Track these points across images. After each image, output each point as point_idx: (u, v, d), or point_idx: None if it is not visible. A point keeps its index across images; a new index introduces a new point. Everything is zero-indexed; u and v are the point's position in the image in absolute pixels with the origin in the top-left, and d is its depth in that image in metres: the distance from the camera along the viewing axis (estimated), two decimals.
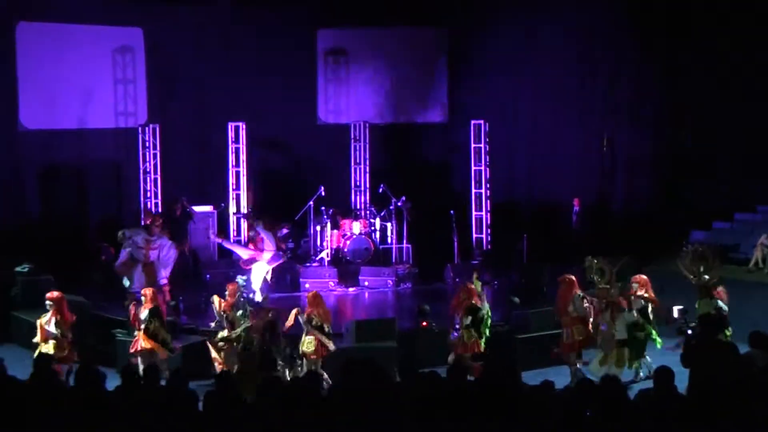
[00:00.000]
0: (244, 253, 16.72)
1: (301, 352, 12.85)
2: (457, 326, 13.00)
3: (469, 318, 12.93)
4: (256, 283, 15.94)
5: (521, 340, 14.12)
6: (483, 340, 13.00)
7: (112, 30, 20.97)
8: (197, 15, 21.02)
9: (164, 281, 16.29)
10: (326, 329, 12.87)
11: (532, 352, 13.62)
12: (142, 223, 17.49)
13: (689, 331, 11.78)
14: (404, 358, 12.76)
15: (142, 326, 13.00)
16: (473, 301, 13.07)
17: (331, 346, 12.80)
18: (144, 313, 13.02)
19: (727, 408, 7.38)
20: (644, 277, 13.53)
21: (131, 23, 20.99)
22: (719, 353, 9.30)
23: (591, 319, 12.98)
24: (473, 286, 13.36)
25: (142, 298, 13.21)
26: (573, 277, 13.17)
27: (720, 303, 12.44)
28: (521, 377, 8.18)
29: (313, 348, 12.75)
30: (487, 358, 12.53)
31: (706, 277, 12.53)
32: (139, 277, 15.89)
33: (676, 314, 12.43)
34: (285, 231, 19.21)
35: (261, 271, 16.28)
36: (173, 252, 16.61)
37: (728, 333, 12.19)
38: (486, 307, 13.20)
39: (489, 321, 13.21)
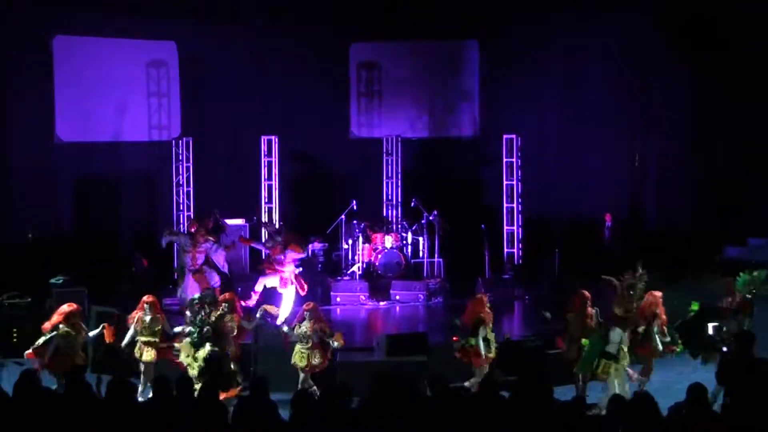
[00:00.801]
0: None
1: (293, 363, 12.82)
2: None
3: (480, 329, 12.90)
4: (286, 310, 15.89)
5: (553, 355, 14.02)
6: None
7: (147, 44, 21.19)
8: (231, 29, 21.18)
9: (216, 284, 16.37)
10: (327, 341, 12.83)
11: (564, 368, 13.50)
12: (184, 230, 17.50)
13: (724, 348, 11.67)
14: (435, 373, 12.70)
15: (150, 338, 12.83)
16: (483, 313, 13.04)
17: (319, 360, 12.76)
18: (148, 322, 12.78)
19: (762, 426, 7.30)
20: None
21: (165, 37, 21.19)
22: (755, 370, 9.21)
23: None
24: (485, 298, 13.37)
25: (146, 306, 12.89)
26: (587, 294, 13.06)
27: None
28: (553, 393, 8.13)
29: (320, 361, 12.76)
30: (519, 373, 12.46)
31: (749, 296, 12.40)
32: (191, 284, 16.12)
33: (710, 331, 12.30)
34: (317, 245, 19.27)
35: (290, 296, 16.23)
36: (221, 252, 16.74)
37: None
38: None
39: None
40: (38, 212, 19.94)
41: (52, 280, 16.55)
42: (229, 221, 19.32)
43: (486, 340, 12.90)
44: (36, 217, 19.80)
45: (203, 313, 12.44)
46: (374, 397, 7.97)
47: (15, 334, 15.67)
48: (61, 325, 12.31)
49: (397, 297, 18.45)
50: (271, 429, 7.54)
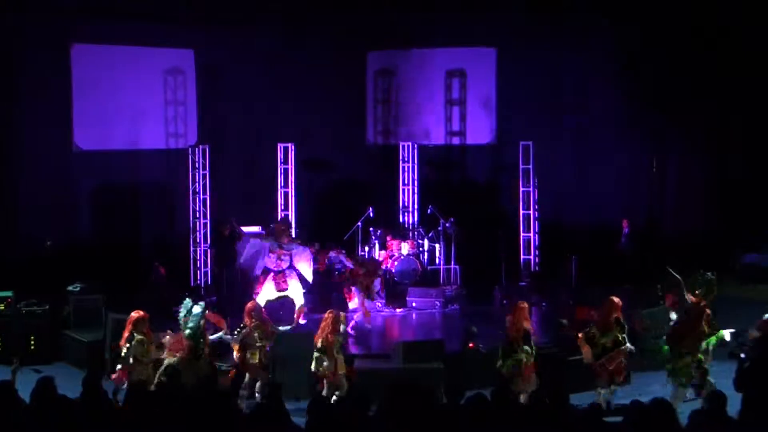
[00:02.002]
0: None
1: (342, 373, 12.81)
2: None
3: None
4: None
5: (570, 362, 13.97)
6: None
7: (164, 52, 21.29)
8: (247, 37, 21.25)
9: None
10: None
11: (580, 375, 13.44)
12: (271, 228, 17.31)
13: (742, 355, 11.59)
14: (451, 380, 12.66)
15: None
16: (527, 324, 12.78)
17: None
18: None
19: None
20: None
21: (182, 45, 21.28)
22: None
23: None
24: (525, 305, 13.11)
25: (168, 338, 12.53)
26: (618, 300, 12.94)
27: None
28: (570, 400, 8.09)
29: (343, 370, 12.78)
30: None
31: None
32: (267, 287, 16.31)
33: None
34: (333, 253, 19.25)
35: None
36: (307, 252, 16.88)
37: None
38: None
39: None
40: (56, 220, 20.02)
41: (70, 288, 16.62)
42: (246, 228, 19.32)
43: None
44: (54, 225, 19.89)
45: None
46: (390, 404, 7.95)
47: (32, 341, 15.76)
48: (136, 335, 12.12)
49: (414, 304, 18.44)
50: None
